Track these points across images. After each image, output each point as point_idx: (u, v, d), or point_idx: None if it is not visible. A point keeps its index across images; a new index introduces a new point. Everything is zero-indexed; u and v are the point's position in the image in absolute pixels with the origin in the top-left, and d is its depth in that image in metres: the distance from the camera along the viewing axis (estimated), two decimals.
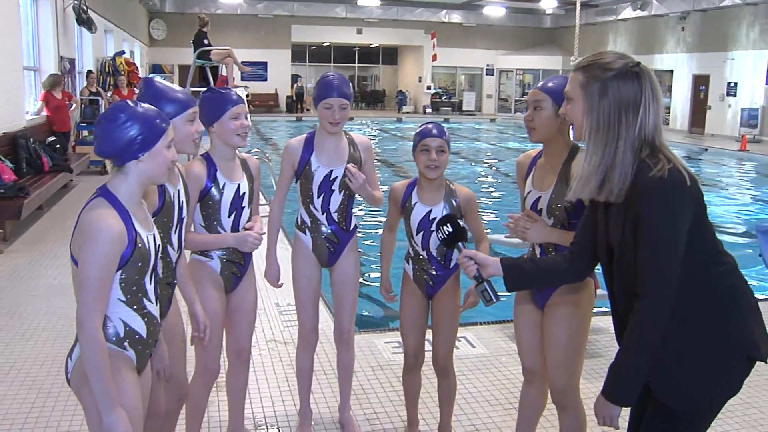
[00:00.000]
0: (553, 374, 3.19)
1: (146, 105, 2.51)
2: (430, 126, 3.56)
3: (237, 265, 3.45)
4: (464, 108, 36.54)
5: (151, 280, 2.54)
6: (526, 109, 3.21)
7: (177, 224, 2.95)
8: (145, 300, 2.51)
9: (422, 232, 3.56)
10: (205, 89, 3.42)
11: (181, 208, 2.98)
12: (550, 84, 3.14)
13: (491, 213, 11.40)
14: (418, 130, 3.58)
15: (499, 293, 2.73)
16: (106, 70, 16.63)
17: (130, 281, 2.44)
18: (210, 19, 14.61)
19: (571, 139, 3.14)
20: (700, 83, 27.50)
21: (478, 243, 3.62)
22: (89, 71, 14.95)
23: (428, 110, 35.81)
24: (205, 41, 14.01)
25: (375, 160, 3.88)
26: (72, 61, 14.51)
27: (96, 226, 2.32)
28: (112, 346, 2.43)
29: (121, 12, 22.36)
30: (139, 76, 19.19)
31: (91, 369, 2.31)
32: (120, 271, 2.39)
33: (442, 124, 3.63)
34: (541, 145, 3.23)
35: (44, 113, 12.04)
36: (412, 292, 3.69)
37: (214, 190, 3.31)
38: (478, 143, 23.72)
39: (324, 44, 37.85)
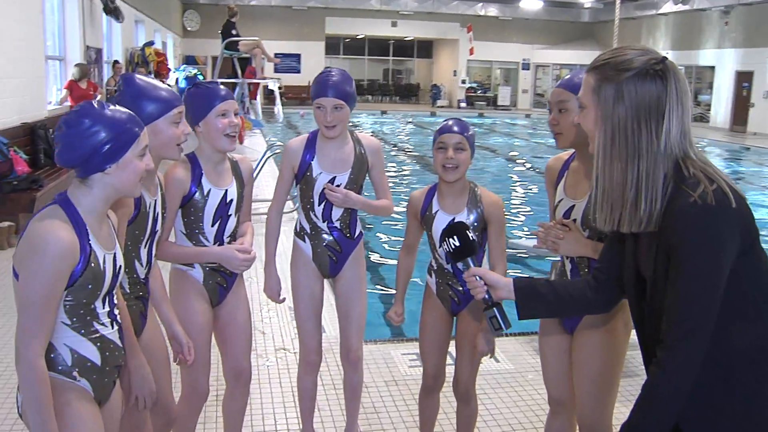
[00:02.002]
0: (582, 407, 2.81)
1: (116, 107, 2.17)
2: (450, 122, 3.17)
3: (222, 274, 3.11)
4: (499, 103, 36.01)
5: (105, 303, 2.21)
6: (550, 111, 2.82)
7: (149, 238, 2.64)
8: (95, 323, 2.18)
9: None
10: (191, 86, 3.09)
11: (155, 221, 2.66)
12: (575, 80, 2.71)
13: (523, 214, 10.99)
14: (439, 127, 3.21)
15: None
16: (135, 60, 16.47)
17: (78, 304, 2.12)
18: (244, 10, 14.44)
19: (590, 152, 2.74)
20: (743, 80, 26.64)
21: (494, 265, 3.19)
22: (115, 61, 14.80)
23: (463, 104, 35.37)
24: (234, 32, 13.80)
25: (384, 161, 3.51)
26: (99, 51, 14.34)
27: (43, 237, 2.01)
28: (60, 376, 2.12)
29: (154, 2, 22.22)
30: (169, 67, 19.06)
31: (26, 402, 2.02)
32: (66, 292, 2.07)
33: (470, 119, 3.23)
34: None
35: (68, 103, 11.86)
36: (435, 307, 3.31)
37: (198, 195, 2.97)
38: (513, 139, 23.22)
39: (358, 37, 37.52)
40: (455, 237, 2.48)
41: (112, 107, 2.16)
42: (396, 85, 40.20)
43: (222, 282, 3.12)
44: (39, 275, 2.00)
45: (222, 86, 3.06)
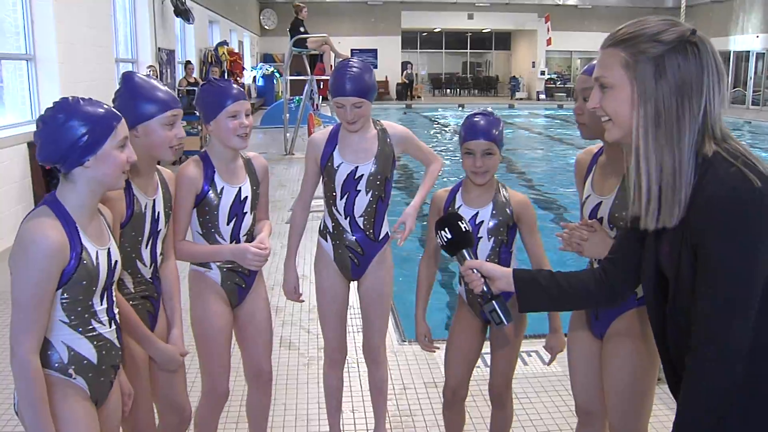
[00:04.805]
0: (613, 419, 2.61)
1: (93, 101, 2.16)
2: (476, 121, 2.96)
3: (240, 275, 3.06)
4: None
5: (102, 300, 2.20)
6: (575, 99, 2.65)
7: (149, 238, 2.61)
8: (93, 321, 2.19)
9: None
10: (203, 83, 3.06)
11: (156, 221, 2.63)
12: None
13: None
14: (464, 122, 3.02)
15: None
16: (209, 60, 16.76)
17: (74, 302, 2.13)
18: (319, 7, 14.55)
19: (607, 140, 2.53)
20: None
21: (536, 265, 3.04)
22: (188, 62, 15.09)
23: (542, 96, 34.79)
24: (302, 29, 13.87)
25: (418, 141, 3.38)
26: (171, 52, 14.64)
27: (31, 237, 2.03)
28: (55, 373, 2.14)
29: (229, 3, 22.56)
30: (243, 66, 19.34)
31: (21, 399, 2.04)
32: (61, 290, 2.09)
33: (550, 111, 3.05)
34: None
35: None
36: (466, 316, 3.16)
37: (211, 194, 2.93)
38: None
39: (435, 30, 37.33)
40: (446, 229, 2.35)
41: (87, 101, 2.15)
42: (474, 78, 39.83)
43: (240, 282, 3.08)
44: (28, 274, 2.02)
45: (235, 85, 3.00)
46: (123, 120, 2.20)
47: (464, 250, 2.34)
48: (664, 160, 1.73)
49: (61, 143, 2.08)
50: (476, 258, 2.41)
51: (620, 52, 1.79)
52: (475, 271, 2.24)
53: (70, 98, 2.15)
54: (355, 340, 4.83)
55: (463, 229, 2.35)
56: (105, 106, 2.17)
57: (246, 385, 3.27)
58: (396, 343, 4.88)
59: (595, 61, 2.64)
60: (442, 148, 17.57)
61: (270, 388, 3.29)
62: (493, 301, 2.22)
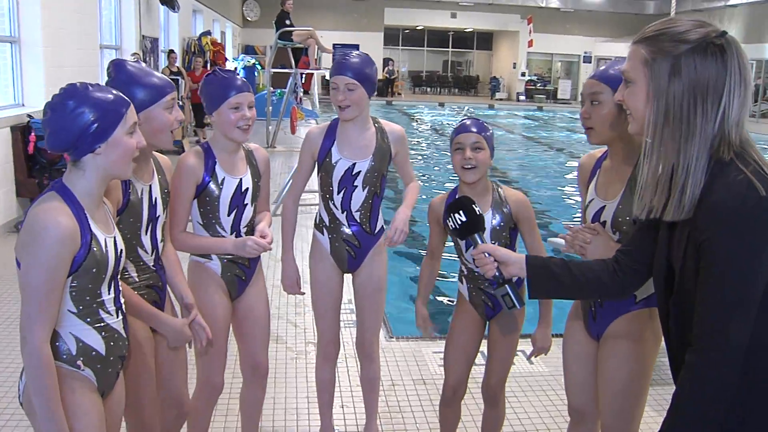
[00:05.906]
0: (606, 421, 2.65)
1: (101, 86, 2.14)
2: (467, 121, 3.06)
3: (241, 266, 3.06)
4: (559, 96, 35.42)
5: (110, 289, 2.19)
6: (583, 103, 2.67)
7: (148, 224, 2.59)
8: (101, 311, 2.17)
9: (472, 247, 3.01)
10: (209, 73, 3.05)
11: (154, 206, 2.61)
12: (611, 71, 2.54)
13: (575, 209, 10.73)
14: (454, 127, 3.10)
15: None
16: (192, 50, 16.64)
17: (83, 290, 2.11)
18: (303, 0, 14.38)
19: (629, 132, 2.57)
20: None
21: None
22: (171, 51, 14.96)
23: (522, 97, 34.92)
24: (288, 22, 13.80)
25: (410, 150, 3.42)
26: (155, 41, 14.50)
27: (43, 224, 2.00)
28: (64, 364, 2.11)
29: None
30: (226, 56, 19.22)
31: (33, 390, 2.01)
32: (71, 278, 2.06)
33: (529, 113, 3.08)
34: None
35: None
36: (467, 315, 3.18)
37: (212, 185, 2.92)
38: (573, 134, 22.76)
39: (417, 28, 37.32)
40: (461, 212, 2.36)
41: (97, 87, 2.13)
42: (455, 77, 39.89)
43: (240, 274, 3.07)
44: (40, 262, 1.99)
45: (239, 77, 2.99)
46: (132, 106, 2.18)
47: (476, 234, 2.35)
48: (669, 157, 1.77)
49: (71, 130, 2.05)
50: None
51: (642, 48, 1.83)
52: (488, 255, 2.25)
53: (78, 84, 2.12)
54: (343, 335, 4.83)
55: (477, 212, 2.37)
56: (114, 92, 2.14)
57: (235, 379, 3.27)
58: (384, 340, 4.89)
59: (603, 66, 2.69)
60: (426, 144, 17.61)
61: (265, 382, 3.29)
62: (506, 285, 2.23)
